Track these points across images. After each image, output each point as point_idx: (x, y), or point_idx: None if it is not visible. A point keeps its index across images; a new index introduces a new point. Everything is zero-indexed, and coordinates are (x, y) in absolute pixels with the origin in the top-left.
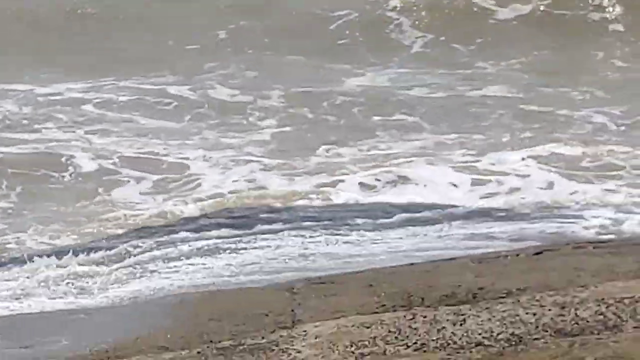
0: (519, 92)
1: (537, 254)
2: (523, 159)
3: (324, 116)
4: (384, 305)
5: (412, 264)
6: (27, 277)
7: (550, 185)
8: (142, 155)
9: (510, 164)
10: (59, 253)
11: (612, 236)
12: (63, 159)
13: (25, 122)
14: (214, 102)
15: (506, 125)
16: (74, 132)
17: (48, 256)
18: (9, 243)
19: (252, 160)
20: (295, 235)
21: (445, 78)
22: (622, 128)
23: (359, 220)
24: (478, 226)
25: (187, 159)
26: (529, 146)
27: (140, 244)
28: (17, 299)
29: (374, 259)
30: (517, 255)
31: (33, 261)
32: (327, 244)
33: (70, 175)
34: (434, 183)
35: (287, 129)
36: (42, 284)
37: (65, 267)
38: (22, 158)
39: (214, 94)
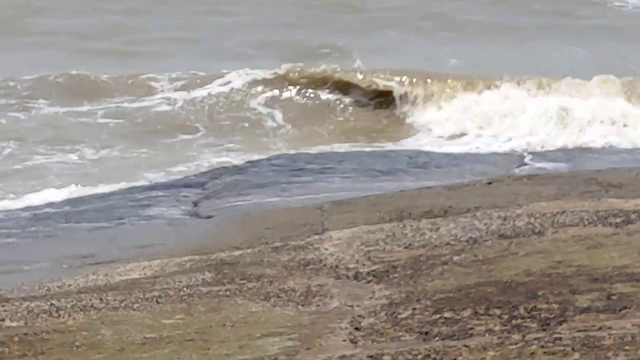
0: None
1: (488, 183)
2: None
3: None
4: (383, 218)
5: (402, 190)
6: None
7: None
8: None
9: None
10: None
11: (539, 172)
12: None
13: None
14: None
15: None
16: None
17: None
18: None
19: None
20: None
21: None
22: None
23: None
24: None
25: None
26: None
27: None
28: None
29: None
30: (475, 184)
31: None
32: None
33: None
34: None
35: None
36: None
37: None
38: None
39: None
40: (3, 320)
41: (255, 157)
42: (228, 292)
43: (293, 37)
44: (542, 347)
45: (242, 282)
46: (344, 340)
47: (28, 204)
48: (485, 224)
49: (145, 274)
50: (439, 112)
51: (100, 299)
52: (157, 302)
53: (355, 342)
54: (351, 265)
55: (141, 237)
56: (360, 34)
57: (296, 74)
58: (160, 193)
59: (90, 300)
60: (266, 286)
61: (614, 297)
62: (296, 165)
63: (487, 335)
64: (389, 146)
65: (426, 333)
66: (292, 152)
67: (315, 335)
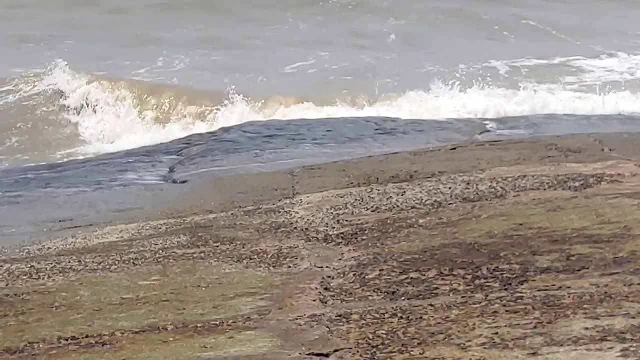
0: None
1: (452, 149)
2: None
3: None
4: (352, 183)
5: (370, 156)
6: None
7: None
8: None
9: None
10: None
11: (501, 138)
12: None
13: None
14: None
15: None
16: None
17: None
18: None
19: None
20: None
21: None
22: None
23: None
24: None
25: None
26: None
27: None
28: None
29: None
30: (439, 150)
31: None
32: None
33: None
34: None
35: None
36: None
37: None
38: None
39: None
40: None
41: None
42: (202, 255)
43: None
44: (504, 305)
45: (215, 244)
46: (313, 300)
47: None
48: (450, 188)
49: (122, 237)
50: None
51: (79, 261)
52: (134, 264)
53: (325, 302)
54: (321, 228)
55: (118, 201)
56: None
57: None
58: (137, 159)
59: (69, 262)
60: (239, 248)
61: (572, 258)
62: (268, 132)
63: (451, 294)
64: (358, 113)
65: (393, 293)
66: (264, 119)
67: (286, 295)
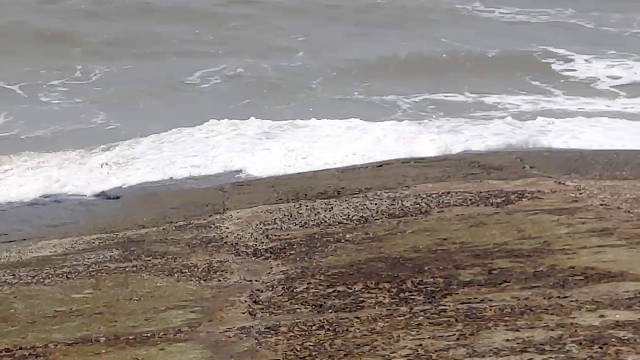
0: None
1: (379, 166)
2: None
3: None
4: (281, 199)
5: (299, 173)
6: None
7: None
8: None
9: None
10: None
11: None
12: None
13: None
14: None
15: None
16: None
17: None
18: None
19: None
20: None
21: None
22: None
23: None
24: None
25: None
26: None
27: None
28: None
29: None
30: (366, 167)
31: None
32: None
33: None
34: None
35: None
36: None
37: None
38: None
39: None
40: None
41: None
42: (134, 268)
43: None
44: (428, 318)
45: (147, 258)
46: (243, 313)
47: None
48: (376, 204)
49: (56, 251)
50: None
51: (13, 275)
52: (67, 278)
53: (254, 315)
54: (250, 243)
55: (52, 216)
56: None
57: None
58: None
59: (3, 276)
60: (170, 262)
61: (494, 272)
62: None
63: (377, 307)
64: None
65: (320, 306)
66: None
67: (216, 308)
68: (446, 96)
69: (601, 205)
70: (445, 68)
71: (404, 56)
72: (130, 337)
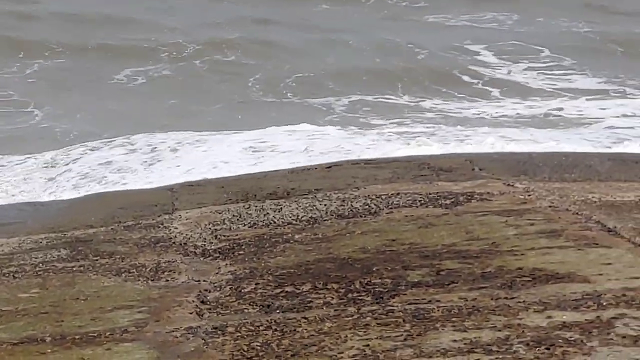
0: None
1: (328, 167)
2: None
3: None
4: (230, 200)
5: (249, 173)
6: None
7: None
8: None
9: None
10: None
11: (375, 157)
12: None
13: None
14: None
15: None
16: None
17: None
18: None
19: None
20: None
21: None
22: None
23: None
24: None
25: None
26: None
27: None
28: None
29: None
30: (315, 168)
31: None
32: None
33: None
34: None
35: None
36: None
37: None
38: None
39: None
40: None
41: None
42: (82, 268)
43: None
44: (375, 318)
45: (95, 258)
46: (190, 313)
47: None
48: (325, 205)
49: (2, 250)
50: None
51: None
52: (14, 277)
53: (201, 315)
54: (199, 243)
55: (0, 216)
56: None
57: None
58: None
59: None
60: (118, 262)
61: (442, 273)
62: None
63: (325, 308)
64: None
65: (268, 306)
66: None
67: (163, 308)
68: (377, 99)
69: (550, 207)
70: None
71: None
72: (77, 337)
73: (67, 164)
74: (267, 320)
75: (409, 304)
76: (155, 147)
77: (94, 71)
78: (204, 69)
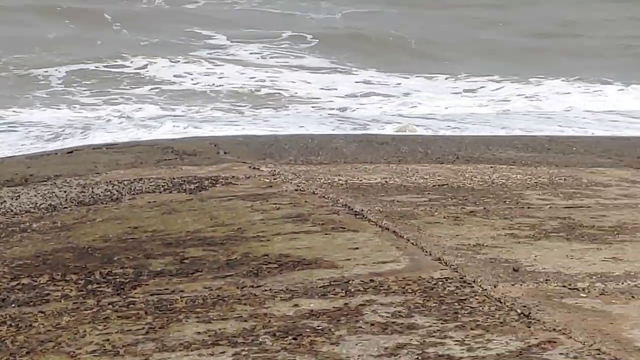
0: None
1: (69, 152)
2: None
3: None
4: None
5: None
6: None
7: None
8: None
9: None
10: None
11: (118, 141)
12: None
13: None
14: None
15: None
16: None
17: None
18: None
19: None
20: None
21: None
22: None
23: None
24: None
25: None
26: None
27: None
28: None
29: None
30: (56, 153)
31: None
32: None
33: None
34: None
35: None
36: None
37: None
38: None
39: None
40: None
41: None
42: None
43: None
44: (116, 311)
45: None
46: None
47: None
48: (65, 191)
49: None
50: None
51: None
52: None
53: None
54: None
55: None
56: None
57: None
58: None
59: None
60: None
61: (186, 261)
62: None
63: (63, 300)
64: None
65: (3, 300)
66: None
67: None
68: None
69: (296, 190)
70: None
71: None
72: None
73: None
74: (2, 315)
75: (151, 294)
76: None
77: None
78: None
